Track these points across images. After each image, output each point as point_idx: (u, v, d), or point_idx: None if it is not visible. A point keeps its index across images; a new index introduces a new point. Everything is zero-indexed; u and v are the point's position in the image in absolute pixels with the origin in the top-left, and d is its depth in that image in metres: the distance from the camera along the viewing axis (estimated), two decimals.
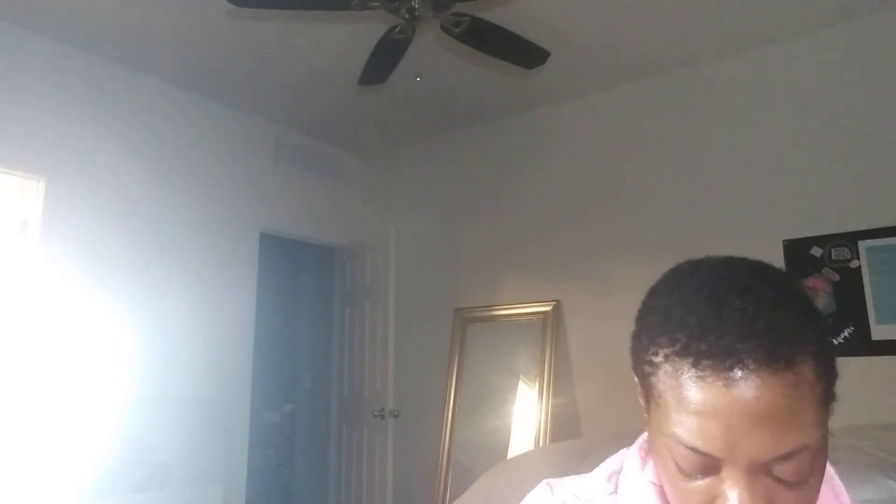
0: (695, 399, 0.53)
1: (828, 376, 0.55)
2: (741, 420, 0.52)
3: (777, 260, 2.88)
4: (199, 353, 3.40)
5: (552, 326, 3.46)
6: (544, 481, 0.77)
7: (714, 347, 0.53)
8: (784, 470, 0.53)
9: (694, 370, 0.53)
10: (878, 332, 2.66)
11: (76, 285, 2.94)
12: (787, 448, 0.52)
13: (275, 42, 3.11)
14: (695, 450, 0.54)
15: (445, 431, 3.66)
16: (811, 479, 0.54)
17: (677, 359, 0.55)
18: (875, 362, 2.62)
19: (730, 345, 0.52)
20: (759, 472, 0.53)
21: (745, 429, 0.52)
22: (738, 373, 0.52)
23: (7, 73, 2.86)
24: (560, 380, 3.40)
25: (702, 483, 0.55)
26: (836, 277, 2.78)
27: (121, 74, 3.28)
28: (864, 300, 2.70)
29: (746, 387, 0.51)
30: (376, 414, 3.76)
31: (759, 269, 0.60)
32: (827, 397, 0.55)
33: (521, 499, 0.77)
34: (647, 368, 0.59)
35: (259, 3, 2.34)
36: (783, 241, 2.92)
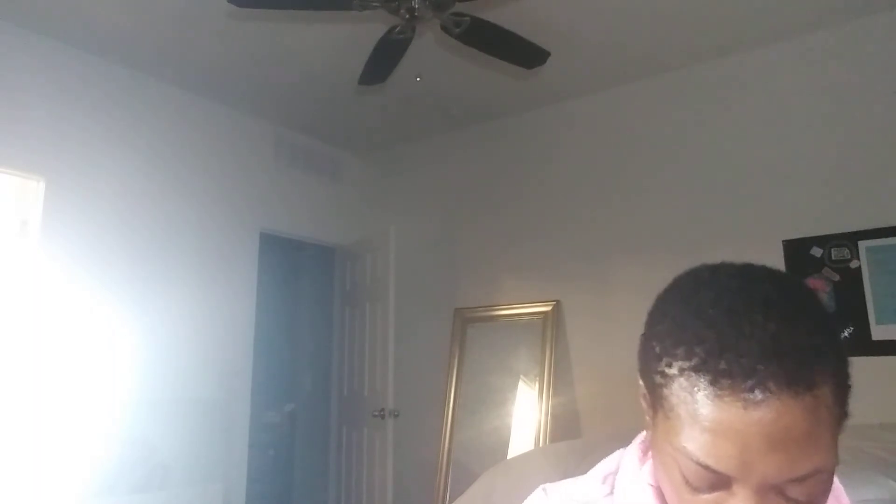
0: (711, 417, 0.52)
1: (844, 396, 0.54)
2: (758, 441, 0.51)
3: (777, 260, 2.88)
4: (199, 353, 3.40)
5: (552, 326, 3.46)
6: (540, 486, 0.76)
7: (734, 366, 0.51)
8: (796, 490, 0.52)
9: (712, 388, 0.52)
10: (878, 332, 2.66)
11: (76, 285, 2.94)
12: (803, 471, 0.51)
13: (275, 42, 3.11)
14: (706, 467, 0.53)
15: (445, 431, 3.66)
16: (821, 497, 0.54)
17: (693, 374, 0.53)
18: (875, 362, 2.62)
19: (751, 365, 0.51)
20: (771, 491, 0.52)
21: (762, 450, 0.51)
22: (759, 395, 0.50)
23: (7, 73, 2.85)
24: (560, 380, 3.40)
25: (709, 497, 0.55)
26: (836, 277, 2.78)
27: (121, 74, 3.28)
28: (864, 300, 2.70)
29: (766, 409, 0.50)
30: (376, 414, 3.76)
31: (779, 281, 0.58)
32: (842, 417, 0.54)
33: (522, 499, 0.77)
34: (659, 379, 0.57)
35: (259, 3, 2.34)
36: (783, 241, 2.92)
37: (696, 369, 0.53)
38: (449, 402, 3.70)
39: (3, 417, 2.64)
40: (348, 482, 4.06)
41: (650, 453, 0.66)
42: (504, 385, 3.54)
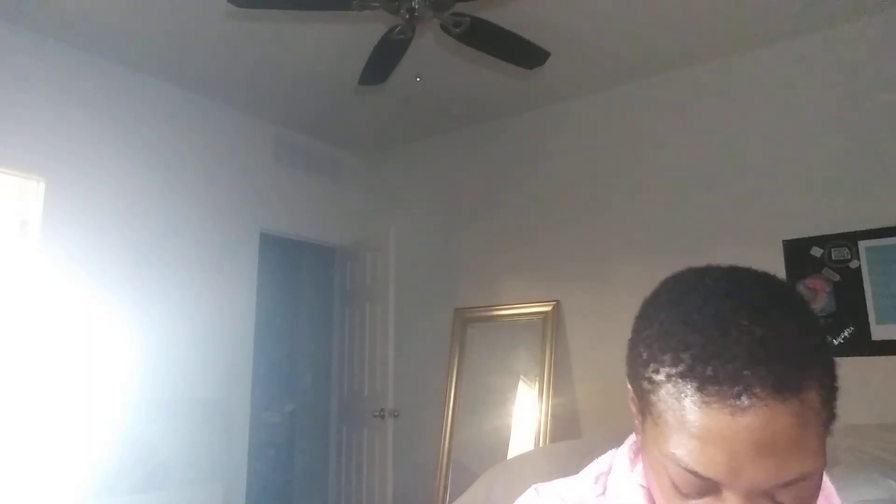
0: (698, 424, 0.52)
1: (832, 399, 0.54)
2: (746, 447, 0.51)
3: (777, 260, 2.88)
4: (199, 353, 3.40)
5: (552, 326, 3.46)
6: (532, 486, 0.77)
7: (721, 372, 0.51)
8: (785, 495, 0.52)
9: (699, 395, 0.52)
10: (878, 332, 2.66)
11: (76, 285, 2.94)
12: (791, 476, 0.51)
13: (275, 42, 3.11)
14: (695, 473, 0.53)
15: (445, 431, 3.66)
16: (811, 500, 0.54)
17: (680, 381, 0.53)
18: (875, 362, 2.62)
19: (737, 371, 0.51)
20: (760, 496, 0.52)
21: (750, 456, 0.51)
22: (746, 401, 0.50)
23: (7, 73, 2.86)
24: (560, 380, 3.40)
25: (698, 502, 0.55)
26: (836, 277, 2.78)
27: (121, 74, 3.28)
28: (864, 300, 2.70)
29: (754, 415, 0.50)
30: (376, 414, 3.76)
31: (765, 284, 0.58)
32: (830, 420, 0.54)
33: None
34: (646, 385, 0.57)
35: (259, 3, 2.34)
36: (783, 241, 2.91)
37: (683, 375, 0.53)
38: (449, 402, 3.70)
39: (4, 417, 2.64)
40: (348, 482, 4.06)
41: (640, 455, 0.66)
42: (504, 385, 3.54)
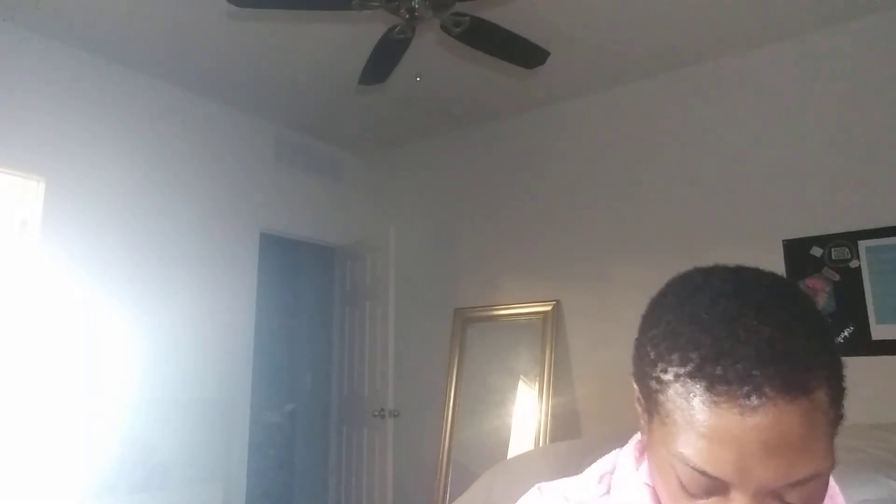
0: (707, 424, 0.52)
1: (839, 399, 0.54)
2: (755, 447, 0.51)
3: (777, 260, 2.88)
4: (199, 353, 3.40)
5: (552, 326, 3.46)
6: (535, 486, 0.77)
7: (730, 372, 0.51)
8: (794, 495, 0.52)
9: (708, 394, 0.52)
10: (878, 332, 2.66)
11: (76, 285, 2.94)
12: (800, 476, 0.51)
13: (275, 42, 3.11)
14: (703, 473, 0.53)
15: (445, 431, 3.66)
16: (818, 500, 0.54)
17: (689, 381, 0.53)
18: (875, 362, 2.62)
19: (747, 370, 0.51)
20: (768, 496, 0.52)
21: (758, 456, 0.51)
22: (755, 400, 0.50)
23: (7, 73, 2.85)
24: (560, 380, 3.40)
25: (706, 502, 0.55)
26: (836, 277, 2.78)
27: (121, 74, 3.28)
28: (864, 300, 2.70)
29: (762, 415, 0.50)
30: (376, 414, 3.76)
31: (773, 284, 0.58)
32: (837, 420, 0.54)
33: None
34: (654, 385, 0.57)
35: (259, 3, 2.34)
36: (783, 241, 2.91)
37: (692, 375, 0.53)
38: (449, 402, 3.70)
39: (4, 417, 2.64)
40: (348, 482, 4.06)
41: (646, 454, 0.66)
42: (504, 385, 3.54)
